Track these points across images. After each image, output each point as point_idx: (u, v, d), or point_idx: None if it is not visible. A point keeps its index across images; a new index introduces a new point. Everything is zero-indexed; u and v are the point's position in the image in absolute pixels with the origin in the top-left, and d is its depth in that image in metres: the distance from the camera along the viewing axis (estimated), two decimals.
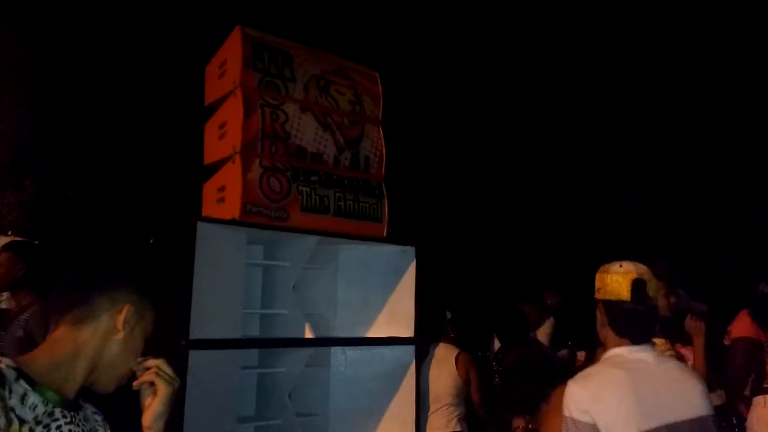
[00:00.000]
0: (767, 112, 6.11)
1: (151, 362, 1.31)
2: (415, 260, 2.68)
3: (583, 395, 1.72)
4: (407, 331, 2.64)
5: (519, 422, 2.52)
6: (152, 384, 1.30)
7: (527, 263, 6.38)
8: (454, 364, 3.75)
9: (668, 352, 3.00)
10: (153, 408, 1.29)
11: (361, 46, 3.87)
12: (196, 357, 2.00)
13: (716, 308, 4.46)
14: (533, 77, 5.94)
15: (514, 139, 6.44)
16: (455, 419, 3.72)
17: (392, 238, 2.68)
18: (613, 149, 6.79)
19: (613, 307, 1.82)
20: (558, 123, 6.46)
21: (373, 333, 2.73)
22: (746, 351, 3.67)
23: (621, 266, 1.83)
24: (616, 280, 1.81)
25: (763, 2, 5.02)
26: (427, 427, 3.61)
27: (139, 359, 1.31)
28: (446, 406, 3.71)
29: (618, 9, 5.42)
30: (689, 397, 1.76)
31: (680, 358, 3.06)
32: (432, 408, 3.69)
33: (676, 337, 3.12)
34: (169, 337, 2.01)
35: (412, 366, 2.65)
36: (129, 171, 4.89)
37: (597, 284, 1.88)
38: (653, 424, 1.67)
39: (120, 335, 1.26)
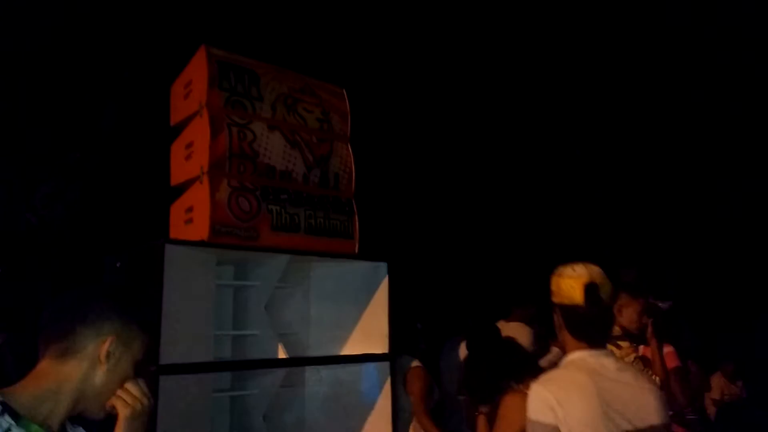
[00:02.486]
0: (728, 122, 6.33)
1: (125, 385, 1.28)
2: (387, 276, 2.68)
3: (547, 397, 1.71)
4: (381, 347, 2.63)
5: (484, 408, 2.53)
6: None
7: (498, 275, 6.43)
8: (407, 378, 3.73)
9: (631, 356, 3.04)
10: None
11: (328, 63, 3.88)
12: (166, 382, 1.96)
13: (682, 314, 4.56)
14: (500, 92, 6.03)
15: (482, 152, 6.52)
16: None
17: (364, 255, 2.68)
18: (577, 161, 6.93)
19: (568, 311, 1.83)
20: (525, 137, 6.56)
21: (347, 351, 2.71)
22: None
23: (574, 270, 1.84)
24: (570, 284, 1.81)
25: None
26: None
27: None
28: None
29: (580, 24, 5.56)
30: (647, 404, 1.77)
31: (645, 360, 3.09)
32: None
33: (640, 339, 3.15)
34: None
35: (388, 382, 2.64)
36: (93, 193, 4.79)
37: (552, 288, 1.88)
38: (614, 430, 1.68)
39: (104, 367, 1.24)
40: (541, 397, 1.72)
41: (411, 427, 3.63)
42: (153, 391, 1.88)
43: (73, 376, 1.22)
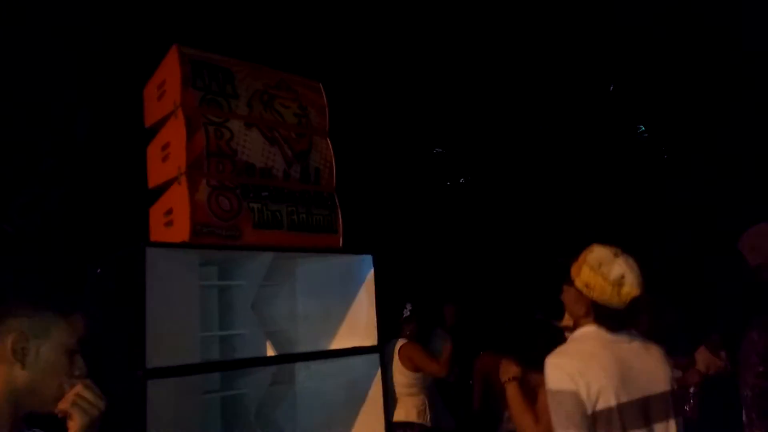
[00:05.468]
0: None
1: (73, 389, 1.22)
2: (373, 268, 2.68)
3: (566, 367, 1.73)
4: (370, 339, 2.63)
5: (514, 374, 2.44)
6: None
7: (482, 264, 6.47)
8: (398, 357, 3.77)
9: None
10: None
11: (303, 58, 3.85)
12: (154, 386, 1.94)
13: (664, 288, 4.56)
14: (478, 81, 6.03)
15: (461, 140, 6.53)
16: (403, 410, 3.73)
17: (348, 248, 2.67)
18: (547, 142, 6.95)
19: (601, 308, 1.81)
20: (503, 128, 6.58)
21: (336, 345, 2.71)
22: None
23: (623, 277, 1.77)
24: (616, 291, 1.77)
25: None
26: None
27: (66, 380, 1.23)
28: (400, 398, 3.74)
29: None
30: (657, 372, 1.84)
31: None
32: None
33: None
34: (124, 367, 1.95)
35: (378, 374, 2.65)
36: (71, 200, 4.72)
37: (585, 279, 1.82)
38: (630, 397, 1.75)
39: (20, 366, 1.20)
40: (561, 368, 1.74)
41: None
42: (141, 396, 1.88)
43: None
